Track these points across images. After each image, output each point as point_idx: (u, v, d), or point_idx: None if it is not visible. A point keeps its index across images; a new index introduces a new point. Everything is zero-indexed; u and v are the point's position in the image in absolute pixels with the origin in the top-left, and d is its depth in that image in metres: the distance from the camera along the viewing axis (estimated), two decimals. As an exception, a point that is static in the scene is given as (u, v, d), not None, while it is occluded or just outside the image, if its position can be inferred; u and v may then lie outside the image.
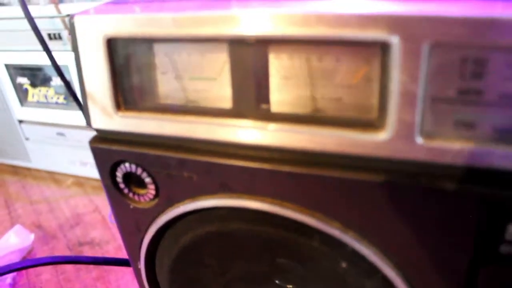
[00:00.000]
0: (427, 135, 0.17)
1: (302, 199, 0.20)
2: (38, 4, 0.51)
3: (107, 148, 0.23)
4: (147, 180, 0.23)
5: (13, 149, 0.69)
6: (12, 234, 0.55)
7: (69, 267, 0.52)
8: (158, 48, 0.21)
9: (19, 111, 0.63)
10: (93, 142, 0.24)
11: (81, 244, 0.55)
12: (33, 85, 0.59)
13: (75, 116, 0.59)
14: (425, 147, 0.17)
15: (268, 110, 0.20)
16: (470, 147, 0.17)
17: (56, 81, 0.59)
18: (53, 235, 0.48)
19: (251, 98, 0.20)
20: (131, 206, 0.25)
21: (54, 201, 0.64)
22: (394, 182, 0.18)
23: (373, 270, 0.20)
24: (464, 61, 0.16)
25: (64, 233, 0.53)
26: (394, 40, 0.16)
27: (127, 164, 0.23)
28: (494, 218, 0.17)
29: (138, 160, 0.23)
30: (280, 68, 0.20)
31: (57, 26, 0.51)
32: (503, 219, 0.17)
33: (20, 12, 0.51)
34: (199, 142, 0.21)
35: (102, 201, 0.63)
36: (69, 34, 0.51)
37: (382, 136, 0.18)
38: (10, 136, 0.67)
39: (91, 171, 0.65)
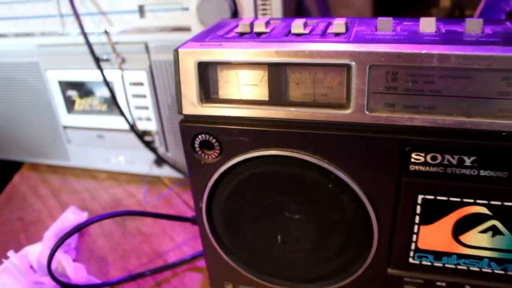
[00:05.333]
0: (370, 110, 0.35)
1: (307, 147, 0.38)
2: (93, 33, 0.67)
3: (191, 125, 0.40)
4: (215, 144, 0.40)
5: (55, 151, 0.84)
6: (69, 213, 0.70)
7: (116, 235, 0.67)
8: (221, 68, 0.38)
9: (65, 118, 0.78)
10: (182, 122, 0.40)
11: (124, 219, 0.71)
12: (80, 96, 0.76)
13: (115, 121, 0.75)
14: (369, 116, 0.35)
15: (288, 100, 0.37)
16: (392, 116, 0.35)
17: (100, 93, 0.74)
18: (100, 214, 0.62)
19: (279, 94, 0.37)
20: (202, 162, 0.42)
21: (94, 191, 0.80)
22: (354, 134, 0.36)
23: (346, 186, 0.38)
24: (387, 73, 0.34)
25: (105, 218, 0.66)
26: (353, 64, 0.34)
27: (202, 135, 0.40)
28: (404, 151, 0.35)
29: (210, 132, 0.40)
30: (294, 79, 0.37)
31: (107, 50, 0.68)
32: (409, 151, 0.35)
33: (72, 40, 0.68)
34: (249, 119, 0.38)
35: (135, 189, 0.78)
36: (117, 57, 0.68)
37: (348, 111, 0.35)
38: (54, 140, 0.82)
39: (123, 166, 0.81)
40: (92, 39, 0.66)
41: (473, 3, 0.92)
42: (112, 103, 0.72)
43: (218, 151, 0.40)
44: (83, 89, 0.74)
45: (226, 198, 0.43)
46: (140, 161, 0.78)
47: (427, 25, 0.37)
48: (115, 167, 0.81)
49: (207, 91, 0.39)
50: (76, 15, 0.64)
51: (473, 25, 0.36)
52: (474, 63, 0.32)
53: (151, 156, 0.76)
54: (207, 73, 0.38)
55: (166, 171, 0.77)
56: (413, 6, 1.25)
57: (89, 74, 0.72)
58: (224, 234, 0.46)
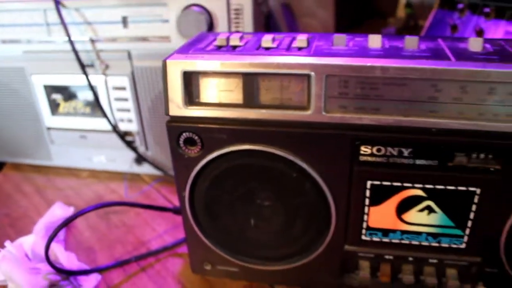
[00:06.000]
0: (327, 111, 0.43)
1: (275, 142, 0.45)
2: (78, 41, 0.73)
3: (177, 125, 0.47)
4: (198, 141, 0.47)
5: (38, 151, 0.88)
6: (56, 208, 0.76)
7: (101, 227, 0.73)
8: (203, 76, 0.46)
9: (49, 120, 0.83)
10: (169, 122, 0.47)
11: (107, 213, 0.76)
12: (65, 100, 0.81)
13: (97, 122, 0.80)
14: (326, 116, 0.43)
15: (259, 103, 0.45)
16: (344, 116, 0.42)
17: (83, 96, 0.80)
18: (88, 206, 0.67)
19: (251, 98, 0.45)
20: (186, 156, 0.49)
21: (77, 188, 0.85)
22: (314, 131, 0.43)
23: (307, 175, 0.45)
24: (340, 81, 0.42)
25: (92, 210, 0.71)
26: (312, 74, 0.42)
27: (186, 133, 0.47)
28: (355, 144, 0.43)
29: (193, 130, 0.47)
30: (264, 86, 0.44)
31: (92, 57, 0.74)
32: (358, 145, 0.43)
33: (57, 47, 0.73)
34: (226, 119, 0.46)
35: (116, 186, 0.84)
36: (101, 63, 0.74)
37: (309, 112, 0.43)
38: (37, 140, 0.86)
39: (105, 164, 0.86)
40: (77, 46, 0.71)
41: (424, 14, 1.01)
42: (96, 106, 0.78)
43: (200, 147, 0.47)
44: (67, 93, 0.80)
45: (206, 188, 0.50)
46: (121, 160, 0.84)
47: (374, 41, 0.45)
48: (97, 165, 0.87)
49: (191, 96, 0.46)
50: (64, 24, 0.69)
51: (411, 42, 0.44)
52: (408, 73, 0.40)
53: (131, 155, 0.82)
54: (190, 81, 0.45)
55: (145, 169, 0.83)
56: (372, 16, 1.35)
57: (73, 79, 0.77)
58: (204, 219, 0.53)
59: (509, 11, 0.83)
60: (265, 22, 0.73)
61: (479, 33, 0.84)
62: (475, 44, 0.44)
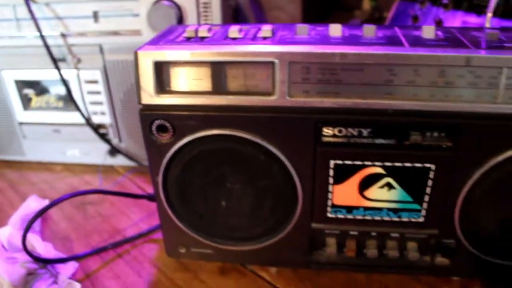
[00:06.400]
0: (290, 96, 0.46)
1: (243, 127, 0.48)
2: (49, 36, 0.74)
3: (149, 113, 0.49)
4: (169, 127, 0.49)
5: (9, 146, 0.89)
6: (31, 200, 0.77)
7: (77, 218, 0.74)
8: (173, 66, 0.48)
9: (21, 115, 0.84)
10: (141, 111, 0.49)
11: (83, 203, 0.78)
12: (37, 94, 0.82)
13: (71, 116, 0.82)
14: (290, 100, 0.45)
15: (228, 90, 0.47)
16: (307, 100, 0.45)
17: (55, 90, 0.81)
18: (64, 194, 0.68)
19: (220, 86, 0.47)
20: (158, 143, 0.51)
21: (51, 181, 0.85)
22: (279, 115, 0.46)
23: (274, 157, 0.48)
24: (302, 67, 0.44)
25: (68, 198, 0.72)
26: (276, 61, 0.44)
27: (158, 120, 0.49)
28: (317, 126, 0.46)
29: (165, 117, 0.49)
30: (231, 73, 0.47)
31: (63, 51, 0.75)
32: (320, 126, 0.46)
33: (27, 42, 0.74)
34: (196, 106, 0.48)
35: (91, 178, 0.85)
36: (73, 57, 0.75)
37: (274, 97, 0.46)
38: (9, 136, 0.87)
39: (78, 158, 0.87)
40: (49, 41, 0.72)
41: (388, 6, 1.05)
42: (68, 100, 0.79)
43: (171, 133, 0.50)
44: (39, 87, 0.81)
45: (178, 173, 0.52)
46: (95, 152, 0.85)
47: (335, 30, 0.48)
48: (71, 159, 0.88)
49: (162, 85, 0.48)
50: (34, 20, 0.70)
51: (368, 31, 0.47)
52: (365, 59, 0.44)
53: (105, 147, 0.84)
54: (161, 70, 0.47)
55: (119, 160, 0.85)
56: (338, 8, 1.39)
57: (45, 73, 0.78)
58: (177, 203, 0.55)
59: (466, 3, 0.87)
60: (233, 15, 0.75)
61: (439, 23, 0.88)
62: (428, 32, 0.47)
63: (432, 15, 0.91)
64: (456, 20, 0.87)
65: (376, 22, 1.19)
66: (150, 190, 0.77)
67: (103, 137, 0.81)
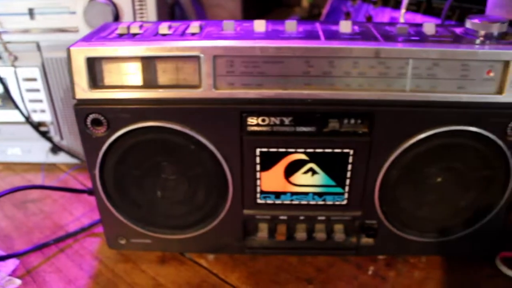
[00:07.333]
0: (216, 88, 0.48)
1: (173, 118, 0.50)
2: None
3: (83, 107, 0.51)
4: (104, 121, 0.51)
5: None
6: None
7: (18, 216, 0.75)
8: (105, 61, 0.50)
9: (-42, 116, 0.83)
10: (76, 105, 0.51)
11: (24, 202, 0.78)
12: (-26, 93, 0.81)
13: (10, 114, 0.81)
14: (216, 92, 0.48)
15: (158, 84, 0.50)
16: (232, 91, 0.48)
17: (-7, 90, 0.80)
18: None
19: (150, 80, 0.49)
20: (94, 136, 0.52)
21: (-8, 181, 0.86)
22: (207, 107, 0.49)
23: (204, 146, 0.51)
24: (226, 61, 0.47)
25: (7, 197, 0.70)
26: (202, 55, 0.47)
27: (93, 114, 0.51)
28: (242, 116, 0.49)
29: (99, 111, 0.51)
30: (161, 68, 0.49)
31: None
32: (245, 116, 0.49)
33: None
34: (129, 99, 0.50)
35: (33, 177, 0.85)
36: (10, 55, 0.75)
37: (201, 90, 0.49)
38: None
39: (20, 157, 0.87)
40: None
41: (324, 4, 1.10)
42: (6, 98, 0.79)
43: (106, 127, 0.51)
44: (-24, 87, 0.80)
45: (114, 164, 0.54)
46: (37, 151, 0.85)
47: (259, 26, 0.51)
48: (12, 158, 0.87)
49: (95, 80, 0.50)
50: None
51: (290, 26, 0.51)
52: (284, 52, 0.47)
53: (47, 145, 0.84)
54: (94, 66, 0.49)
55: (62, 158, 0.85)
56: (278, 5, 1.43)
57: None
58: (115, 195, 0.57)
59: (393, 0, 0.93)
60: (170, 12, 0.77)
61: (369, 19, 0.94)
62: (344, 26, 0.51)
63: (363, 12, 0.97)
64: (384, 16, 0.92)
65: (314, 18, 1.24)
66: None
67: (44, 135, 0.82)
